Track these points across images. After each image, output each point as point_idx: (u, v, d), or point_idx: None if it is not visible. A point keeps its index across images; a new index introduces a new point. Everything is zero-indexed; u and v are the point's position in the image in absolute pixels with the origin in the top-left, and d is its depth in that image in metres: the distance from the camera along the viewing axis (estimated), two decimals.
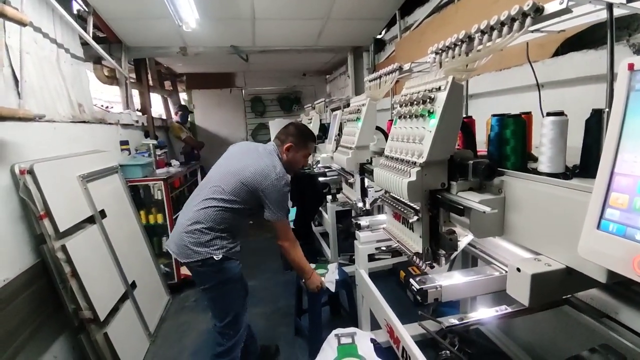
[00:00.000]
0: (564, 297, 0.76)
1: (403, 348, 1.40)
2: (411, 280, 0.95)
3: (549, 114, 0.79)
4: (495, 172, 0.82)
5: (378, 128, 1.60)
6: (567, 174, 0.78)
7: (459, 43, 0.89)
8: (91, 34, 2.82)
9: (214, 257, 1.59)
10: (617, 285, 0.69)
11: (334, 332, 1.61)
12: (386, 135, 1.64)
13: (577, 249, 0.63)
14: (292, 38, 3.74)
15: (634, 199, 0.50)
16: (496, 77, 1.94)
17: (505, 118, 0.92)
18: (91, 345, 1.90)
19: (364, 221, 1.57)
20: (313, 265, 2.14)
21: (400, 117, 1.04)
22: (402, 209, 0.96)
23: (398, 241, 1.06)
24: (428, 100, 0.88)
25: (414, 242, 0.97)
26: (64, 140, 2.25)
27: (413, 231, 0.96)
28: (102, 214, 2.31)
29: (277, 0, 2.95)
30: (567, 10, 0.62)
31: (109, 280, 2.18)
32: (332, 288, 2.16)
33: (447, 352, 1.99)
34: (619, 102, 0.53)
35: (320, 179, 2.98)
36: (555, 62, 1.60)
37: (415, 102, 0.94)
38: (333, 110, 3.75)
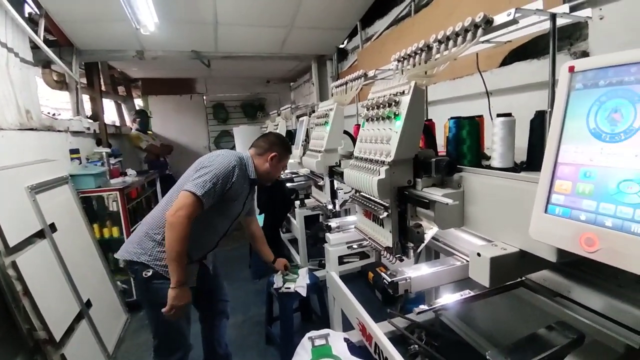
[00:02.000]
0: (519, 278, 0.84)
1: (376, 344, 1.44)
2: (382, 274, 1.00)
3: (499, 115, 0.88)
4: (455, 169, 0.89)
5: (345, 132, 1.65)
6: (517, 168, 0.87)
7: (419, 51, 0.96)
8: (42, 37, 2.63)
9: (143, 273, 1.42)
10: (567, 265, 0.78)
11: (307, 335, 1.61)
12: (353, 139, 1.70)
13: (528, 233, 0.71)
14: (256, 44, 3.75)
15: (577, 184, 0.58)
16: (450, 85, 2.09)
17: (462, 120, 1.01)
18: None
19: (334, 223, 1.60)
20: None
21: (368, 120, 1.09)
22: (373, 207, 1.00)
23: (369, 238, 1.10)
24: (393, 103, 0.94)
25: (384, 237, 1.02)
26: (11, 149, 2.08)
27: (383, 227, 1.01)
28: (52, 227, 2.14)
29: (240, 7, 2.95)
30: (514, 21, 0.71)
31: (62, 299, 2.02)
32: (304, 293, 2.16)
33: (416, 346, 2.07)
34: (561, 100, 0.61)
35: (288, 184, 2.99)
36: (502, 71, 1.76)
37: (381, 105, 1.00)
38: (299, 116, 3.80)
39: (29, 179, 2.02)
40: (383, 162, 0.94)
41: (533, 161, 0.86)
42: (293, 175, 3.13)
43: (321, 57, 4.25)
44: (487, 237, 0.85)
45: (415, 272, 1.01)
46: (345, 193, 1.58)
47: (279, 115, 3.51)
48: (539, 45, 1.72)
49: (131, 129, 4.76)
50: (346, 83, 1.53)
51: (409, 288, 0.99)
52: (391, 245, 0.97)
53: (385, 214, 0.94)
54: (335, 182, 1.60)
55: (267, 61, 4.17)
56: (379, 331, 1.42)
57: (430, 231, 0.94)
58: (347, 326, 2.02)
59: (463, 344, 2.12)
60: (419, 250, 0.97)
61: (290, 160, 3.25)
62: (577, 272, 0.77)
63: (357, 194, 1.14)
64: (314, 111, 3.86)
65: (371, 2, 3.14)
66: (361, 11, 3.26)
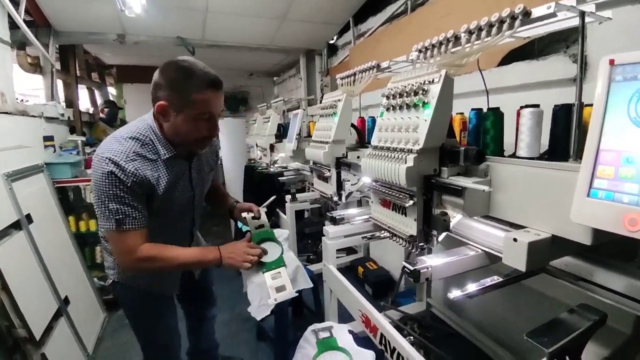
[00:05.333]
0: (548, 262, 0.87)
1: (382, 335, 1.45)
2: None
3: (526, 106, 0.91)
4: (483, 157, 0.91)
5: (352, 125, 1.64)
6: (541, 158, 0.90)
7: (446, 42, 0.97)
8: (22, 16, 2.43)
9: (107, 281, 1.32)
10: (588, 251, 0.81)
11: (310, 328, 1.59)
12: (358, 131, 1.70)
13: (560, 218, 0.74)
14: (245, 35, 3.65)
15: (619, 169, 0.61)
16: None
17: (486, 111, 1.03)
18: None
19: (338, 215, 1.59)
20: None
21: (388, 109, 1.09)
22: (396, 195, 1.00)
23: (388, 227, 1.10)
24: (421, 92, 0.94)
25: (406, 226, 1.02)
26: None
27: (406, 216, 1.01)
28: (28, 218, 1.99)
29: None
30: (552, 15, 0.73)
31: (41, 296, 1.89)
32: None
33: (411, 337, 2.11)
34: (602, 91, 0.64)
35: (279, 178, 2.95)
36: (500, 70, 1.82)
37: (406, 94, 1.00)
38: (288, 110, 3.74)
39: (4, 166, 1.86)
40: (410, 151, 0.94)
41: (556, 151, 0.89)
42: (283, 170, 3.09)
43: (310, 52, 4.22)
44: (517, 223, 0.88)
45: (435, 261, 1.02)
46: (352, 185, 1.58)
47: (269, 107, 3.45)
48: (534, 47, 1.80)
49: (100, 118, 4.48)
50: (354, 74, 1.52)
51: (430, 276, 1.00)
52: (415, 234, 0.97)
53: (412, 202, 0.94)
54: (342, 173, 1.59)
55: (254, 53, 4.08)
56: (385, 322, 1.43)
57: (455, 219, 0.96)
58: (342, 320, 2.02)
59: (454, 335, 2.18)
60: (441, 237, 0.98)
61: (281, 154, 3.22)
62: (599, 257, 0.81)
63: (375, 184, 1.14)
64: (299, 107, 3.80)
65: None
66: (355, 7, 3.26)
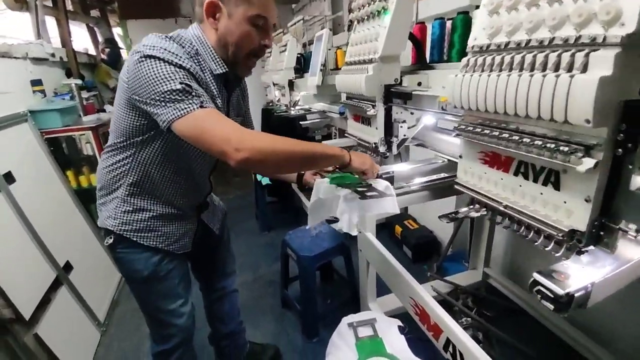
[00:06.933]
0: None
1: (448, 340, 1.03)
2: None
3: None
4: None
5: (411, 36, 1.05)
6: None
7: None
8: None
9: (105, 241, 1.04)
10: None
11: (346, 320, 1.20)
12: (417, 44, 1.11)
13: None
14: None
15: None
16: None
17: None
18: (21, 349, 1.45)
19: (385, 173, 1.09)
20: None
21: None
22: (542, 147, 0.48)
23: (505, 208, 0.59)
24: None
25: (557, 211, 0.51)
26: None
27: (559, 189, 0.50)
28: (9, 177, 1.68)
29: None
30: None
31: (30, 266, 1.64)
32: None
33: (468, 319, 1.67)
34: None
35: (301, 122, 2.44)
36: None
37: None
38: (309, 43, 3.07)
39: None
40: (600, 41, 0.40)
41: None
42: (305, 112, 2.56)
43: None
44: None
45: (596, 273, 0.53)
46: (409, 128, 1.04)
47: (284, 33, 2.79)
48: None
49: (101, 60, 4.01)
50: None
51: (586, 301, 0.52)
52: (583, 228, 0.47)
53: (593, 162, 0.42)
54: (394, 109, 1.04)
55: None
56: (456, 325, 1.00)
57: None
58: (379, 292, 1.66)
59: (519, 313, 1.76)
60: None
61: (303, 93, 2.65)
62: None
63: (473, 124, 0.61)
64: (322, 27, 3.07)
65: None
66: None
